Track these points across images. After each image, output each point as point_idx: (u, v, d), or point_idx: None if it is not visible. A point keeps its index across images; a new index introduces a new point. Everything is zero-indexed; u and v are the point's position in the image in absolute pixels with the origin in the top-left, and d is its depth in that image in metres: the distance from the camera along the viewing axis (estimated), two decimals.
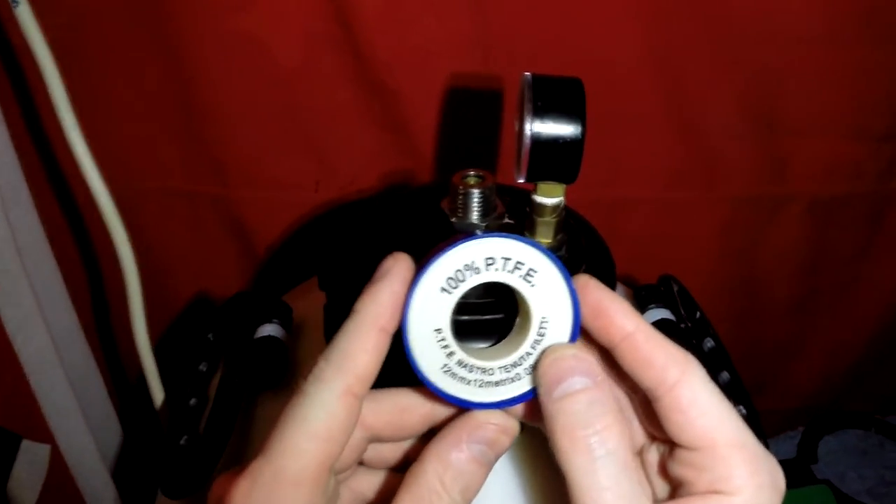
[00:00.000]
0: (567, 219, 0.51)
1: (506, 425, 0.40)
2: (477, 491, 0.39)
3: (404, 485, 0.38)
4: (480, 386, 0.40)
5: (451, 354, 0.39)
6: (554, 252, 0.39)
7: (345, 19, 0.81)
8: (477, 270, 0.37)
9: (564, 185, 0.48)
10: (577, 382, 0.38)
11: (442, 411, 0.41)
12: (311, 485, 0.36)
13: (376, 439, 0.42)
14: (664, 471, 0.40)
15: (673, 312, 0.68)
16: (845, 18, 0.86)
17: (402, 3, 0.81)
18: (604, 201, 0.94)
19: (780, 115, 0.94)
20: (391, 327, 0.38)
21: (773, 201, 1.03)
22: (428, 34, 0.83)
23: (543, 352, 0.39)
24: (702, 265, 1.06)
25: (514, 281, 0.38)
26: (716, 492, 0.35)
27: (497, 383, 0.40)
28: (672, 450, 0.38)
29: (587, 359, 0.39)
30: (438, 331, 0.38)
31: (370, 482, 0.44)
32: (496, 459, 0.40)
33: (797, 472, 1.24)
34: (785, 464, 1.16)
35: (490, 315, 0.44)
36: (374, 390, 0.39)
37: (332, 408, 0.36)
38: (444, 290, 0.37)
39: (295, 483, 0.35)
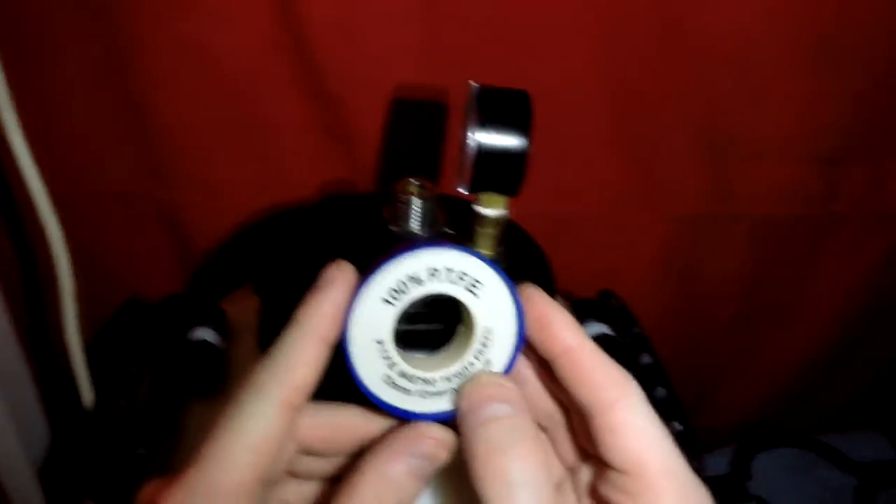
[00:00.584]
0: (509, 232, 0.51)
1: (444, 438, 0.39)
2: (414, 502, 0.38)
3: (338, 496, 0.37)
4: (422, 397, 0.39)
5: (392, 365, 0.38)
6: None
7: (293, 26, 0.80)
8: (420, 282, 0.37)
9: (507, 197, 0.47)
10: (497, 409, 0.37)
11: (377, 431, 0.41)
12: (245, 498, 0.35)
13: (308, 452, 0.41)
14: (595, 492, 0.39)
15: (611, 327, 0.68)
16: (799, 47, 0.87)
17: (352, 12, 0.80)
18: (548, 216, 0.93)
19: (727, 136, 0.95)
20: (332, 338, 0.37)
21: (718, 221, 1.04)
22: (377, 44, 0.82)
23: (469, 378, 0.39)
24: (644, 282, 1.06)
25: (457, 292, 0.38)
26: None
27: (439, 394, 0.39)
28: (603, 471, 0.38)
29: (509, 387, 0.39)
30: (380, 342, 0.38)
31: (297, 492, 0.43)
32: (433, 474, 0.39)
33: (730, 489, 1.24)
34: (718, 480, 1.17)
35: (429, 325, 0.43)
36: (311, 403, 0.38)
37: (269, 420, 0.35)
38: (386, 301, 0.37)
39: (229, 496, 0.34)
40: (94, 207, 0.91)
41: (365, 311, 0.37)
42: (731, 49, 0.86)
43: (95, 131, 0.87)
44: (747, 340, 1.20)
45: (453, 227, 0.52)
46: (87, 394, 0.78)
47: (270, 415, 0.35)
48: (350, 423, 0.41)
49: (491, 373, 0.40)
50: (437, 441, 0.39)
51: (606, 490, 0.37)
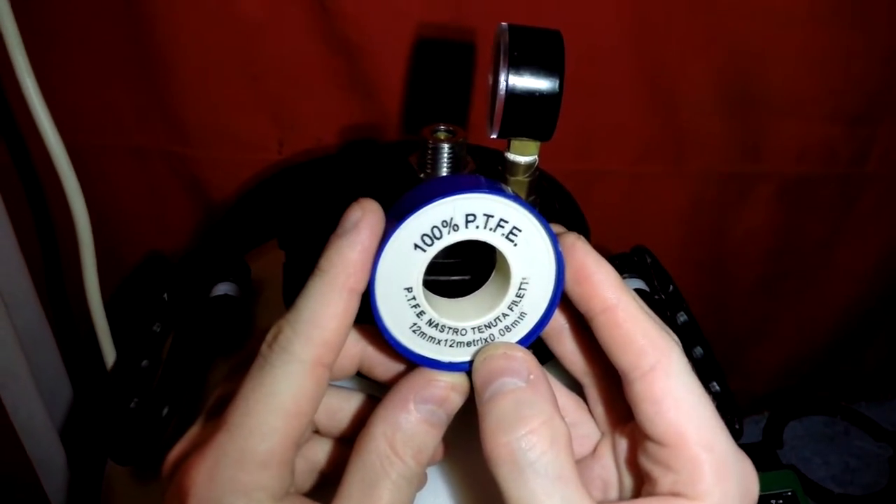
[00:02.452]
0: (540, 181, 0.49)
1: (455, 382, 0.37)
2: (430, 454, 0.36)
3: (354, 452, 0.35)
4: (451, 346, 0.38)
5: (421, 314, 0.37)
6: None
7: None
8: (456, 228, 0.35)
9: (538, 143, 0.46)
10: (505, 383, 0.35)
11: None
12: (278, 464, 0.33)
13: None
14: (632, 459, 0.38)
15: (647, 283, 0.66)
16: (828, 2, 0.86)
17: None
18: (574, 172, 0.92)
19: (755, 93, 0.94)
20: (361, 287, 0.34)
21: (745, 180, 1.03)
22: None
23: (489, 343, 0.38)
24: (671, 241, 1.06)
25: (495, 240, 0.36)
26: (678, 494, 0.34)
27: (469, 343, 0.38)
28: (641, 440, 0.36)
29: (517, 357, 0.36)
30: (409, 290, 0.36)
31: (323, 449, 0.41)
32: (448, 419, 0.37)
33: (762, 457, 1.25)
34: (750, 447, 1.16)
35: (458, 276, 0.42)
36: None
37: (301, 381, 0.34)
38: (417, 246, 0.35)
39: (263, 463, 0.33)
40: (111, 163, 0.91)
41: (394, 257, 0.35)
42: (759, 1, 0.85)
43: (108, 82, 0.86)
44: (775, 303, 1.19)
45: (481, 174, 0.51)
46: (108, 352, 0.78)
47: (301, 375, 0.34)
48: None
49: (502, 343, 0.38)
50: (448, 384, 0.37)
51: (644, 461, 0.36)
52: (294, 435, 0.34)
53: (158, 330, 0.63)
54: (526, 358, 0.37)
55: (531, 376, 0.36)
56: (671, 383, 0.34)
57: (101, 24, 0.82)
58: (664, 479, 0.34)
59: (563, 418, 0.35)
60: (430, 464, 0.37)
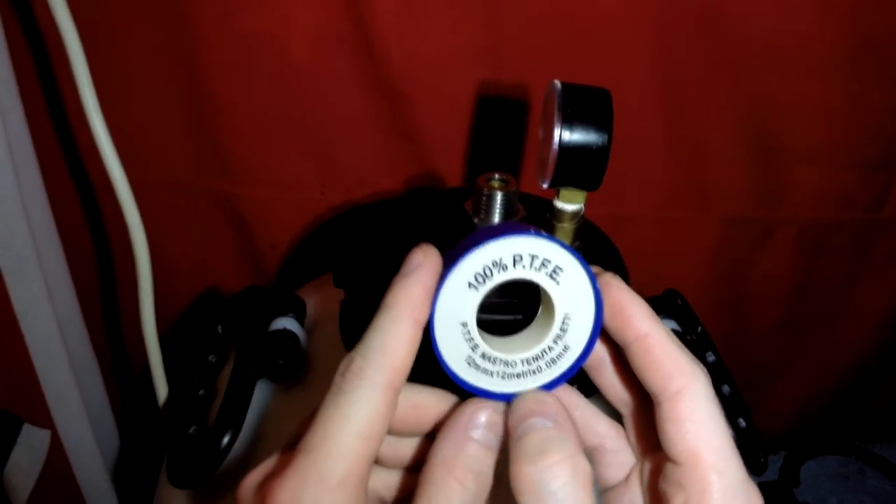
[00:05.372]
0: (584, 228, 0.52)
1: (496, 406, 0.40)
2: (488, 479, 0.38)
3: (420, 485, 0.38)
4: (502, 377, 0.40)
5: (475, 347, 0.39)
6: None
7: (360, 21, 0.81)
8: (504, 268, 0.38)
9: (585, 192, 0.49)
10: (534, 422, 0.38)
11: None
12: (355, 484, 0.35)
13: (390, 433, 0.42)
14: (652, 483, 0.40)
15: (678, 325, 0.69)
16: (846, 52, 0.88)
17: (418, 8, 0.81)
18: (604, 216, 0.94)
19: (777, 141, 0.96)
20: (423, 320, 0.37)
21: (766, 224, 1.05)
22: (442, 40, 0.84)
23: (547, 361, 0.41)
24: (693, 283, 1.07)
25: (539, 279, 0.39)
26: None
27: (519, 375, 0.40)
28: (662, 462, 0.38)
29: (547, 401, 0.39)
30: (464, 324, 0.39)
31: (383, 480, 0.44)
32: (499, 441, 0.39)
33: (779, 495, 1.25)
34: (767, 486, 1.18)
35: (511, 315, 0.45)
36: None
37: (375, 404, 0.36)
38: (471, 285, 0.38)
39: (341, 484, 0.35)
40: (160, 200, 0.93)
41: (451, 295, 0.38)
42: (779, 53, 0.87)
43: (161, 122, 0.89)
44: (793, 345, 1.21)
45: (531, 222, 0.54)
46: (161, 386, 0.80)
47: (375, 399, 0.36)
48: (426, 400, 0.41)
49: (535, 391, 0.41)
50: (498, 411, 0.40)
51: (662, 481, 0.38)
52: (369, 456, 0.36)
53: (213, 361, 0.65)
54: (554, 402, 0.39)
55: (558, 418, 0.38)
56: (694, 406, 0.37)
57: (156, 65, 0.85)
58: (676, 499, 0.36)
59: (585, 457, 0.37)
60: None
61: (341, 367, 0.37)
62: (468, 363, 0.40)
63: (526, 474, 0.36)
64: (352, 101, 0.87)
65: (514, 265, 0.38)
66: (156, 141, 0.90)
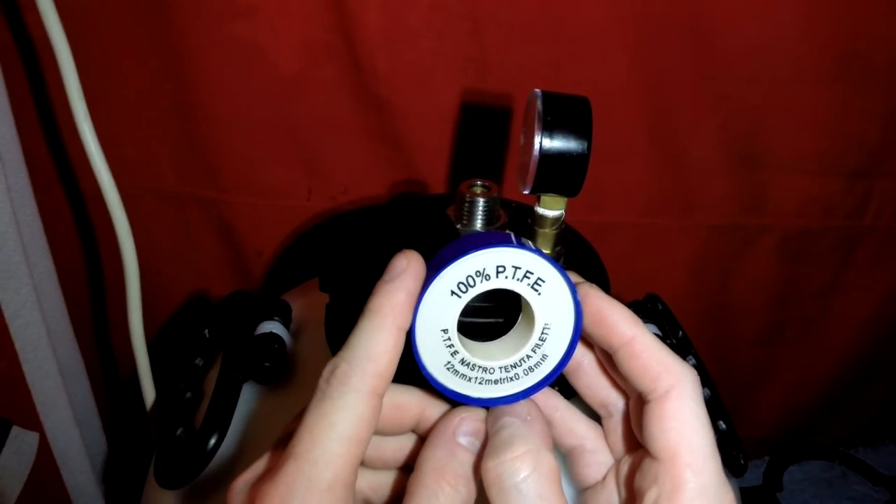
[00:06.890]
0: (565, 234, 0.53)
1: (479, 414, 0.41)
2: (473, 482, 0.39)
3: (409, 487, 0.38)
4: (480, 383, 0.41)
5: (455, 353, 0.40)
6: None
7: (346, 31, 0.82)
8: (487, 277, 0.39)
9: (566, 199, 0.50)
10: (506, 421, 0.39)
11: (434, 411, 0.43)
12: (343, 488, 0.36)
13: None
14: (630, 480, 0.41)
15: (659, 329, 0.70)
16: (828, 62, 0.89)
17: (403, 19, 0.82)
18: (586, 223, 0.95)
19: (759, 150, 0.97)
20: (406, 325, 0.38)
21: (747, 232, 1.06)
22: (427, 50, 0.85)
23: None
24: (677, 290, 1.08)
25: (521, 289, 0.39)
26: None
27: (497, 381, 0.41)
28: (642, 459, 0.39)
29: (521, 403, 0.41)
30: (445, 331, 0.39)
31: (369, 481, 0.44)
32: (481, 446, 0.40)
33: (763, 500, 1.26)
34: (751, 491, 1.18)
35: (491, 319, 0.45)
36: None
37: (360, 410, 0.36)
38: (454, 293, 0.39)
39: (329, 488, 0.35)
40: (147, 207, 0.94)
41: (434, 302, 0.39)
42: (762, 62, 0.89)
43: (149, 130, 0.90)
44: (776, 350, 1.22)
45: (512, 228, 0.54)
46: (148, 390, 0.81)
47: (360, 405, 0.36)
48: (407, 400, 0.42)
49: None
50: (481, 418, 0.41)
51: (638, 476, 0.39)
52: (355, 460, 0.37)
53: (200, 364, 0.66)
54: (528, 405, 0.41)
55: (528, 417, 0.40)
56: (680, 405, 0.38)
57: (143, 72, 0.86)
58: (649, 494, 0.37)
59: (552, 453, 0.38)
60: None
61: (326, 373, 0.37)
62: (447, 368, 0.41)
63: (491, 468, 0.37)
64: (338, 109, 0.88)
65: (498, 275, 0.39)
66: (144, 148, 0.91)
